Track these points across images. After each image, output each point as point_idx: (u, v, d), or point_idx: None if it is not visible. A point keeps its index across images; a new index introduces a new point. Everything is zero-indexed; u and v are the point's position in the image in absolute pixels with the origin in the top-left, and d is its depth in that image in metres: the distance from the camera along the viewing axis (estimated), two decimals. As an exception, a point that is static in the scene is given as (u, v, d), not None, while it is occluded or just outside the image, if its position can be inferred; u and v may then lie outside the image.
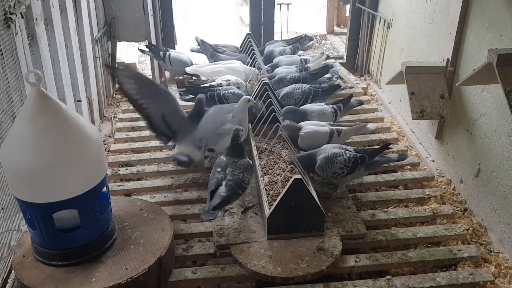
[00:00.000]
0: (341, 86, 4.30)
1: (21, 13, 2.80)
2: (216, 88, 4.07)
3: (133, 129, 4.31)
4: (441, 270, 2.70)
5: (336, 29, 7.71)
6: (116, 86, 4.60)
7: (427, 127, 3.82)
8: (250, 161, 2.90)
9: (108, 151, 3.95)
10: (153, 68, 5.35)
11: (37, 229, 2.25)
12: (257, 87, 3.97)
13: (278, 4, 6.01)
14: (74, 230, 2.31)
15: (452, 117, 3.37)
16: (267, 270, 2.48)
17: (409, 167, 3.67)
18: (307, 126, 3.35)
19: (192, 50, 5.24)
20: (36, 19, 3.08)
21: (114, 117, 4.69)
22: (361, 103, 4.11)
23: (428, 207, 3.13)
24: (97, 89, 4.54)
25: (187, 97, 4.12)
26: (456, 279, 2.53)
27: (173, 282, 2.53)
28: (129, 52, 6.82)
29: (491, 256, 2.81)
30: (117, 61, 5.38)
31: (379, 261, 2.66)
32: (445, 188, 3.44)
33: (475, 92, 3.12)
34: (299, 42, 5.25)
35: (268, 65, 4.70)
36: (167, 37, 5.49)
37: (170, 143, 3.31)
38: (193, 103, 4.17)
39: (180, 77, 5.00)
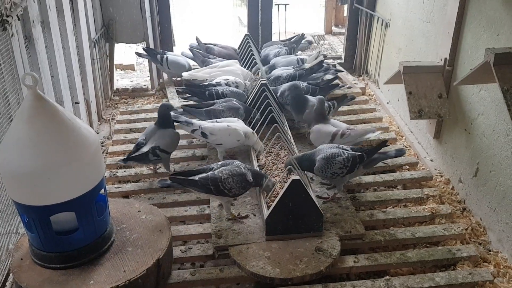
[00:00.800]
0: (338, 84, 4.30)
1: (17, 15, 2.79)
2: (214, 86, 4.07)
3: (131, 130, 4.30)
4: (440, 270, 2.69)
5: (334, 29, 7.71)
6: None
7: (425, 127, 3.82)
8: (251, 179, 2.78)
9: (106, 153, 3.94)
10: (151, 70, 5.35)
11: (34, 232, 2.24)
12: (255, 88, 3.97)
13: (276, 4, 6.00)
14: (72, 232, 2.30)
15: (450, 116, 3.37)
16: (266, 271, 2.48)
17: (407, 166, 3.67)
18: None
19: (191, 47, 5.22)
20: (33, 21, 3.08)
21: (112, 119, 4.69)
22: (352, 98, 4.13)
23: (426, 207, 3.13)
24: (95, 91, 4.53)
25: (185, 96, 4.12)
26: (455, 279, 2.53)
27: (171, 284, 2.53)
28: (127, 54, 6.82)
29: (490, 256, 2.81)
30: (114, 63, 5.38)
31: (378, 262, 2.65)
32: (443, 187, 3.44)
33: (472, 91, 3.11)
34: (296, 42, 5.25)
35: (265, 67, 4.70)
36: (165, 38, 5.49)
37: None
38: (192, 102, 4.20)
39: (178, 78, 5.00)
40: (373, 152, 2.98)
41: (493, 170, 2.91)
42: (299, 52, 5.40)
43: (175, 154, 3.82)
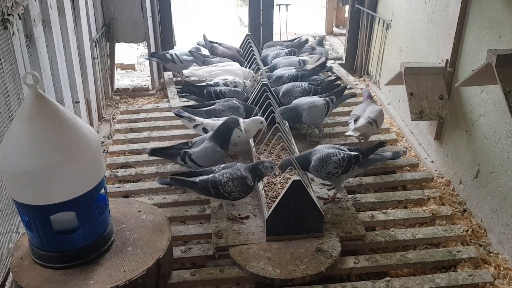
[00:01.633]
0: (340, 83, 4.29)
1: (18, 14, 2.79)
2: (213, 85, 4.07)
3: (131, 130, 4.30)
4: (440, 272, 2.69)
5: (335, 30, 7.71)
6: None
7: (426, 128, 3.82)
8: (251, 183, 2.75)
9: (106, 153, 3.93)
10: (152, 69, 5.35)
11: (34, 231, 2.24)
12: (256, 88, 3.96)
13: (277, 5, 6.00)
14: (72, 232, 2.29)
15: (451, 118, 3.37)
16: (266, 272, 2.47)
17: (408, 168, 3.66)
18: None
19: (198, 44, 5.24)
20: (34, 20, 3.08)
21: (112, 118, 4.68)
22: (354, 95, 4.12)
23: (427, 208, 3.12)
24: (95, 91, 4.53)
25: (183, 95, 4.12)
26: (456, 280, 2.53)
27: (171, 284, 2.52)
28: (127, 53, 6.82)
29: (490, 257, 2.80)
30: (115, 62, 5.38)
31: (378, 263, 2.65)
32: (444, 189, 3.44)
33: (474, 93, 3.11)
34: (298, 47, 5.23)
35: (266, 67, 4.69)
36: (166, 38, 5.49)
37: None
38: (193, 103, 4.20)
39: (185, 72, 4.98)
40: (369, 153, 2.98)
41: (494, 171, 2.91)
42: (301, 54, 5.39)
43: (176, 153, 3.82)
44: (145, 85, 5.49)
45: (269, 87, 3.84)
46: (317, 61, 4.63)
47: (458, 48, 3.31)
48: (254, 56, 4.71)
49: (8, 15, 2.65)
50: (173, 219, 3.03)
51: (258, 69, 4.57)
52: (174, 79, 5.25)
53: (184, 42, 5.35)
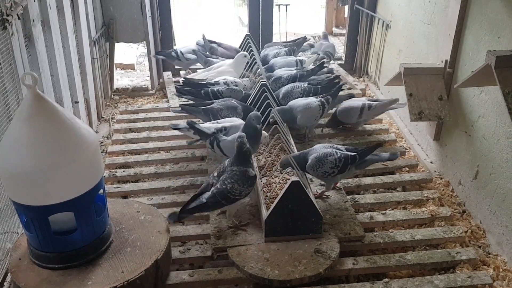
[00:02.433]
0: (339, 82, 4.27)
1: (17, 14, 2.79)
2: (212, 85, 4.07)
3: (130, 130, 4.30)
4: (439, 273, 2.69)
5: (334, 30, 7.70)
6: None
7: (425, 129, 3.82)
8: (252, 173, 2.73)
9: (105, 153, 3.93)
10: (151, 69, 5.35)
11: (33, 232, 2.23)
12: (255, 88, 3.96)
13: (276, 5, 6.00)
14: (70, 233, 2.29)
15: (450, 118, 3.36)
16: (265, 273, 2.47)
17: (407, 168, 3.66)
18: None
19: (198, 44, 5.25)
20: (33, 20, 3.07)
21: (111, 118, 4.68)
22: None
23: (426, 209, 3.12)
24: (94, 91, 4.53)
25: (181, 95, 4.12)
26: (454, 282, 2.52)
27: (170, 285, 2.52)
28: (127, 53, 6.82)
29: (489, 259, 2.80)
30: (115, 62, 5.38)
31: (377, 264, 2.64)
32: (443, 190, 3.44)
33: (473, 93, 3.11)
34: (297, 45, 5.23)
35: (264, 67, 4.69)
36: (165, 38, 5.49)
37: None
38: (189, 100, 4.20)
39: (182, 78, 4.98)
40: (366, 153, 2.97)
41: (493, 173, 2.91)
42: (299, 54, 5.39)
43: (175, 154, 3.83)
44: (144, 85, 5.49)
45: (268, 87, 3.83)
46: (315, 60, 4.63)
47: (457, 49, 3.31)
48: (253, 56, 4.70)
49: (7, 15, 2.65)
50: (172, 220, 3.02)
51: (257, 69, 4.57)
52: (173, 79, 5.24)
53: (184, 41, 5.34)
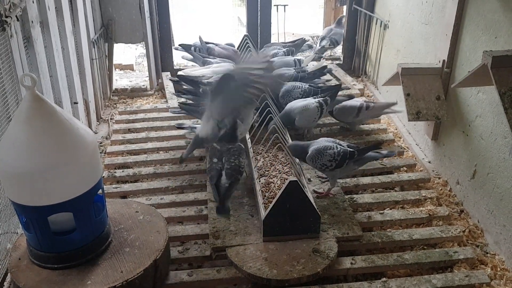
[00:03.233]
0: (340, 85, 4.28)
1: (16, 16, 2.79)
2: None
3: (129, 131, 4.31)
4: (437, 272, 2.70)
5: (333, 30, 7.69)
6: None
7: (423, 129, 3.83)
8: (241, 144, 3.01)
9: (104, 153, 3.94)
10: (150, 70, 5.35)
11: (32, 232, 2.24)
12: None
13: (275, 5, 6.01)
14: (70, 233, 2.30)
15: (448, 118, 3.38)
16: (263, 273, 2.48)
17: (405, 168, 3.67)
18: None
19: (195, 45, 5.23)
20: (32, 21, 3.08)
21: (110, 119, 4.69)
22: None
23: (424, 209, 3.13)
24: (93, 91, 4.53)
25: (180, 95, 4.12)
26: (452, 281, 2.54)
27: (168, 285, 2.53)
28: (126, 54, 6.82)
29: (487, 258, 2.81)
30: (113, 63, 5.38)
31: (375, 263, 2.66)
32: (441, 189, 3.45)
33: (470, 93, 3.12)
34: (296, 46, 5.24)
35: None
36: (164, 38, 5.49)
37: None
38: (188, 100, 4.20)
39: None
40: (365, 150, 3.02)
41: (491, 172, 2.92)
42: (298, 54, 5.40)
43: (174, 154, 3.84)
44: (143, 85, 5.49)
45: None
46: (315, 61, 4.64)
47: (454, 49, 3.32)
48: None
49: (6, 16, 2.65)
50: (171, 220, 3.03)
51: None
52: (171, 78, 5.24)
53: (183, 41, 5.31)
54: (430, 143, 3.76)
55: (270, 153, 3.39)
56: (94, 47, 4.62)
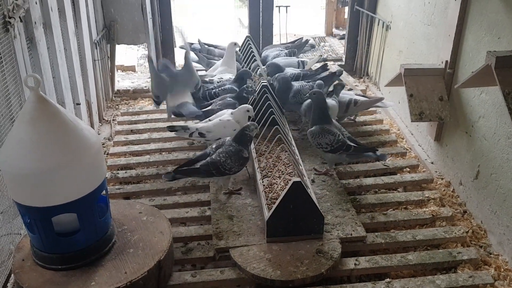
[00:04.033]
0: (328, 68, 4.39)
1: (19, 17, 2.80)
2: (207, 86, 4.09)
3: (132, 132, 4.31)
4: (440, 273, 2.69)
5: (334, 31, 7.71)
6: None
7: (426, 129, 3.82)
8: (246, 154, 2.99)
9: (107, 154, 3.94)
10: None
11: (36, 233, 2.25)
12: (256, 89, 3.96)
13: (276, 6, 6.01)
14: (73, 234, 2.30)
15: (451, 119, 3.37)
16: (267, 273, 2.48)
17: (408, 169, 3.67)
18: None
19: (194, 49, 5.24)
20: (35, 22, 3.08)
21: (113, 120, 4.69)
22: (342, 86, 4.12)
23: (427, 210, 3.13)
24: (96, 92, 4.54)
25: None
26: (456, 282, 2.53)
27: (172, 286, 2.53)
28: (128, 55, 6.82)
29: (490, 259, 2.81)
30: (116, 64, 5.39)
31: (379, 264, 2.65)
32: (444, 190, 3.44)
33: (473, 94, 3.12)
34: (298, 47, 5.24)
35: (264, 66, 4.69)
36: (166, 39, 5.49)
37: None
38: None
39: None
40: (361, 149, 3.21)
41: (494, 173, 2.91)
42: (300, 55, 5.40)
43: (176, 155, 3.84)
44: (145, 86, 5.50)
45: (269, 88, 3.84)
46: (317, 62, 4.64)
47: (457, 50, 3.32)
48: (254, 58, 4.71)
49: (10, 17, 2.66)
50: (174, 221, 3.03)
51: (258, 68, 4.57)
52: None
53: (183, 43, 5.34)
54: (433, 144, 3.75)
55: (273, 154, 3.39)
56: (96, 48, 4.63)
